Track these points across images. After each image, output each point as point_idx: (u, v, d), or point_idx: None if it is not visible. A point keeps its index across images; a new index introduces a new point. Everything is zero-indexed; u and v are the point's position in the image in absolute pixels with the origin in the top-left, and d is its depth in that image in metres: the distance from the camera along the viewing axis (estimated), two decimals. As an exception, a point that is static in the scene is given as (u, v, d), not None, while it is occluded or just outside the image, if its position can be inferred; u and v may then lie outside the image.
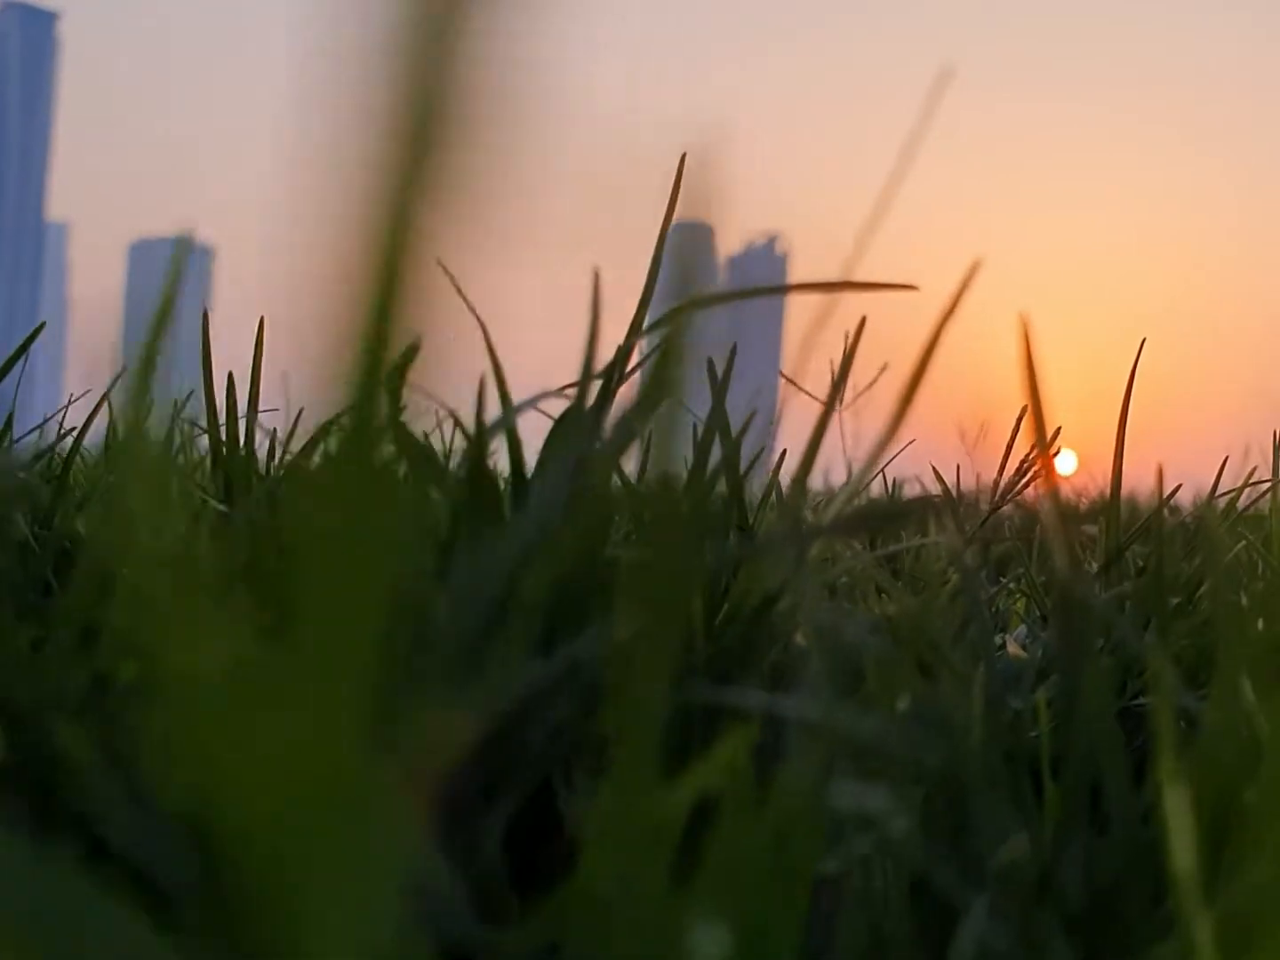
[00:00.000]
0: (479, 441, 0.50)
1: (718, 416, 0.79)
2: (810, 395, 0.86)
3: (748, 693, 0.32)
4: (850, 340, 0.69)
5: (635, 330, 0.65)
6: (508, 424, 0.57)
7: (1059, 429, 0.81)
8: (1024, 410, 0.94)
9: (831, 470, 2.42)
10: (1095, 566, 0.97)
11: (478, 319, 0.69)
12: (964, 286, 0.50)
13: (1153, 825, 0.41)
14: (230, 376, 0.80)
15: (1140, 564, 0.84)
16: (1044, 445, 0.55)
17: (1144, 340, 0.68)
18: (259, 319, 0.81)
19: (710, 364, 0.86)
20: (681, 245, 0.23)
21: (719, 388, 0.82)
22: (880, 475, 1.26)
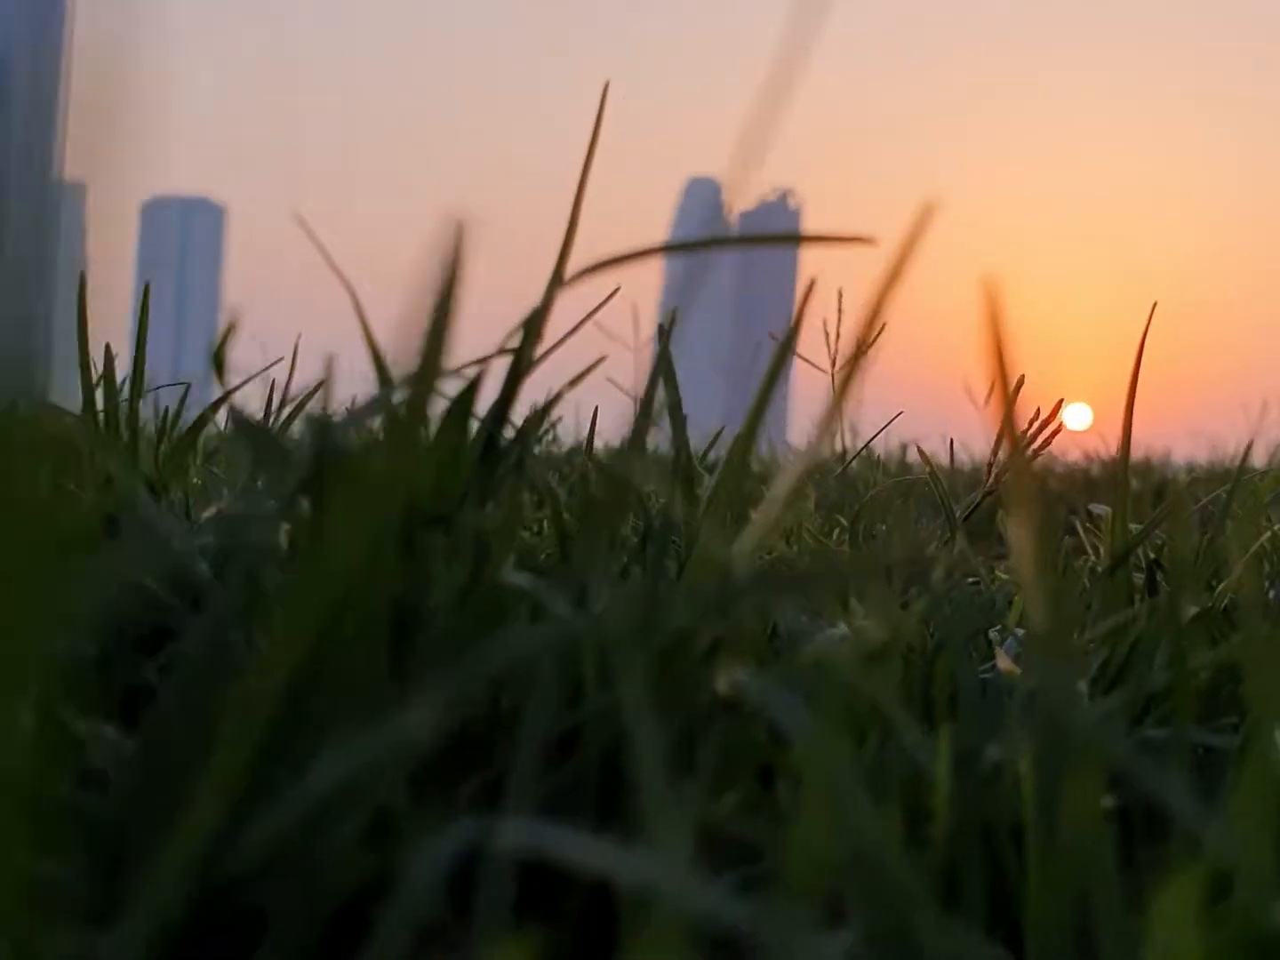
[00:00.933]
0: (322, 431, 0.40)
1: (662, 366, 0.69)
2: (789, 352, 0.77)
3: (582, 839, 0.23)
4: (803, 296, 0.58)
5: (553, 288, 0.55)
6: (382, 407, 0.48)
7: (1060, 402, 0.71)
8: (1021, 378, 0.84)
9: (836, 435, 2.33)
10: (1102, 553, 0.87)
11: (346, 285, 0.60)
12: (917, 231, 0.41)
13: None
14: (108, 349, 0.70)
15: (1153, 555, 0.74)
16: (1012, 428, 0.45)
17: (1155, 305, 0.58)
18: (144, 284, 0.71)
19: (660, 327, 0.76)
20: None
21: (664, 337, 0.72)
22: (871, 443, 1.16)
